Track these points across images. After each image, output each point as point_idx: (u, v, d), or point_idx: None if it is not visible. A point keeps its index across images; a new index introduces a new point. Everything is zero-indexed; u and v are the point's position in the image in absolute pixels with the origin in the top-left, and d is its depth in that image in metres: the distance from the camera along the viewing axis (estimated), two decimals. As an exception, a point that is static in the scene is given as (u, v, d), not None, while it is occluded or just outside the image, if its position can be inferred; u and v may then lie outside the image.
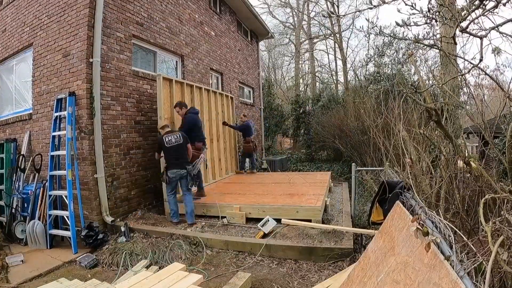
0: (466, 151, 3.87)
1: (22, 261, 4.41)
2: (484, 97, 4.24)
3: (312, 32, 24.83)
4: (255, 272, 4.04)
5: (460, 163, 3.61)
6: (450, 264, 1.79)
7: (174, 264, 4.02)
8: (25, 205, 5.53)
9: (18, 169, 5.95)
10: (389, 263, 2.48)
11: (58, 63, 5.74)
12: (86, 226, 5.06)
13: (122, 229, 5.20)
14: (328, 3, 20.14)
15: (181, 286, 3.38)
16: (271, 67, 28.59)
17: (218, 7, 10.92)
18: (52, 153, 5.48)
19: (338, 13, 17.60)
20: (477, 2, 2.24)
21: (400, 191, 3.03)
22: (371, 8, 2.60)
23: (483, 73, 3.37)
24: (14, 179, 6.02)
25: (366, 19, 3.01)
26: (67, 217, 5.10)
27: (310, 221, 5.11)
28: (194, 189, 6.17)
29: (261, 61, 19.32)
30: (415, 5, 2.36)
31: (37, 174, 5.69)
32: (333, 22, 20.58)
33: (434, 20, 2.48)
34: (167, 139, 5.44)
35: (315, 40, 25.03)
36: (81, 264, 4.50)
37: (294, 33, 25.38)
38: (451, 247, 1.89)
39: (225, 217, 5.48)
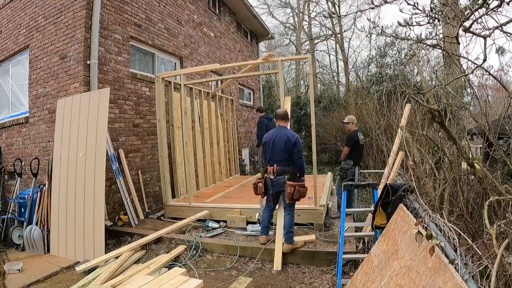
0: (470, 153, 3.81)
1: (19, 270, 4.34)
2: (488, 98, 4.20)
3: (313, 32, 24.83)
4: (256, 277, 3.99)
5: (464, 165, 3.56)
6: (455, 268, 1.77)
7: (174, 269, 4.00)
8: (22, 210, 5.47)
9: (15, 174, 5.90)
10: (392, 267, 2.44)
11: (55, 66, 5.69)
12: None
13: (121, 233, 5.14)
14: (329, 3, 20.11)
15: (181, 292, 3.33)
16: (271, 68, 28.54)
17: (217, 8, 10.87)
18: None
19: (339, 13, 17.57)
20: (480, 1, 2.17)
21: (404, 193, 2.97)
22: (372, 8, 2.54)
23: (487, 73, 3.33)
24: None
25: (367, 19, 2.96)
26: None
27: (312, 224, 5.05)
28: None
29: (261, 62, 19.20)
30: (417, 4, 2.31)
31: (34, 179, 5.63)
32: (334, 23, 20.57)
33: (436, 20, 2.43)
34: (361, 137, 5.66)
35: (316, 41, 24.98)
36: (79, 269, 4.43)
37: (294, 34, 25.34)
38: (455, 250, 1.86)
39: (225, 221, 5.42)
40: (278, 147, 4.39)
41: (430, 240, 1.97)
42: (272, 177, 4.39)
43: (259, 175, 5.35)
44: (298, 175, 4.41)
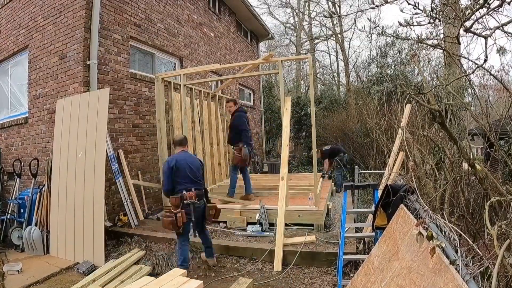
0: (471, 153, 3.80)
1: (18, 271, 4.32)
2: (489, 98, 4.19)
3: (313, 32, 24.74)
4: (257, 277, 3.98)
5: (465, 165, 3.54)
6: (456, 269, 1.75)
7: (174, 270, 3.94)
8: (22, 211, 5.45)
9: (14, 174, 5.88)
10: (393, 268, 2.42)
11: (54, 66, 5.68)
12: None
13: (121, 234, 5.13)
14: (330, 3, 20.03)
15: (181, 293, 3.30)
16: (271, 68, 28.51)
17: (217, 8, 10.85)
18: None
19: (340, 13, 17.51)
20: (481, 1, 2.16)
21: (404, 194, 2.95)
22: (373, 8, 2.54)
23: (488, 73, 3.32)
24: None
25: (368, 19, 2.95)
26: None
27: (312, 225, 5.03)
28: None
29: (262, 62, 19.18)
30: (418, 4, 2.30)
31: (33, 179, 5.61)
32: (335, 23, 20.48)
33: (437, 20, 2.42)
34: None
35: (316, 41, 24.90)
36: (78, 270, 4.42)
37: (295, 34, 25.28)
38: (456, 251, 1.84)
39: (225, 222, 5.40)
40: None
41: (430, 241, 1.96)
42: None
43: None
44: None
